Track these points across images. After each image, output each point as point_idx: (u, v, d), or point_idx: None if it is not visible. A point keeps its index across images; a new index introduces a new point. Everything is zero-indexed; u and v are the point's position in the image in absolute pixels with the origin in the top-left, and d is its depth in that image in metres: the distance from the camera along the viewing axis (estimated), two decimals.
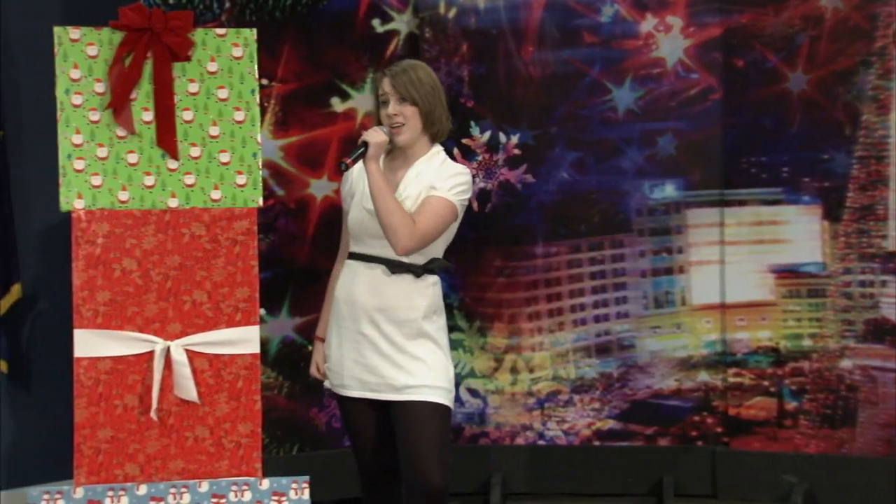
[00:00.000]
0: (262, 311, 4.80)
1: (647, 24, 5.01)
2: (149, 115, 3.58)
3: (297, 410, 4.97)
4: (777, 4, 4.88)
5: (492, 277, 5.13)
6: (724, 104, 4.97)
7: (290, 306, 4.93)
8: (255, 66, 3.64)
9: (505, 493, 5.04)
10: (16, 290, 4.70)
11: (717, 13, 4.95)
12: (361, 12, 5.01)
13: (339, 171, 3.63)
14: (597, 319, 5.08)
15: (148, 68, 3.57)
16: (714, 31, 4.96)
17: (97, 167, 3.57)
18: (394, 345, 3.55)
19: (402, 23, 5.09)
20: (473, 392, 5.16)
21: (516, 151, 5.09)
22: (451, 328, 5.09)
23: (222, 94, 3.62)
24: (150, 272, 3.55)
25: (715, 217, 5.00)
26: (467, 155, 5.09)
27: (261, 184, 3.69)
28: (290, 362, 4.95)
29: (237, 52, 3.63)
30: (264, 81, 4.84)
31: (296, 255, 4.95)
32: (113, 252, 3.55)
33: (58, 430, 4.91)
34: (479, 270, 5.14)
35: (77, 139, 3.56)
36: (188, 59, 3.60)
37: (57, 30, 3.61)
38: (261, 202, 3.69)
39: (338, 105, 4.99)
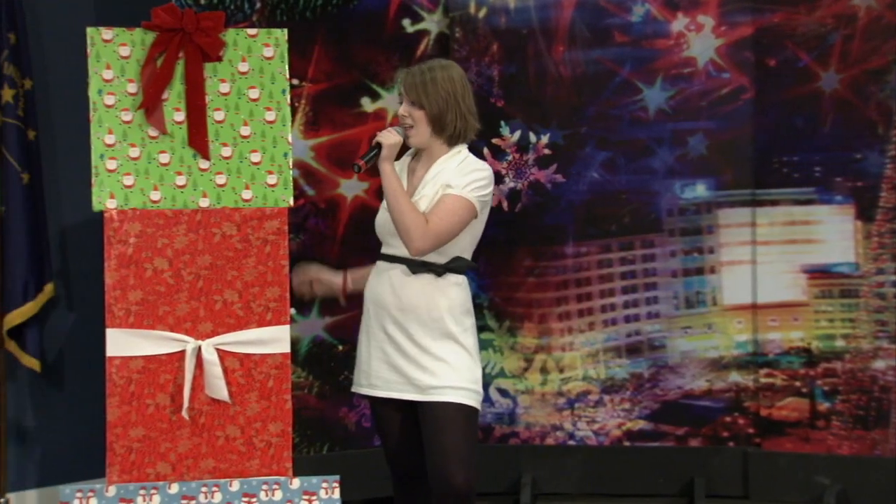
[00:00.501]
0: (293, 311, 4.81)
1: (679, 23, 4.99)
2: (180, 116, 3.60)
3: (327, 410, 4.97)
4: (809, 3, 4.85)
5: (522, 277, 5.12)
6: (755, 103, 4.94)
7: (320, 306, 4.94)
8: (286, 66, 3.66)
9: (535, 494, 5.03)
10: (48, 290, 4.73)
11: (749, 12, 4.92)
12: (392, 12, 5.01)
13: (354, 172, 3.68)
14: (627, 319, 5.06)
15: (180, 69, 3.59)
16: (746, 30, 4.94)
17: (129, 167, 3.59)
18: (417, 345, 3.55)
19: (432, 23, 5.09)
20: (503, 392, 5.15)
21: (546, 151, 5.08)
22: (481, 328, 5.09)
23: (253, 94, 3.63)
24: (181, 271, 3.57)
25: (746, 217, 4.97)
26: (497, 155, 5.09)
27: (291, 184, 3.71)
28: (321, 362, 4.96)
29: (268, 52, 3.64)
30: (295, 81, 4.85)
31: (326, 255, 4.95)
32: (145, 252, 3.57)
33: (90, 428, 4.93)
34: (509, 270, 5.13)
35: (109, 139, 3.58)
36: (219, 59, 3.61)
37: (90, 30, 3.63)
38: (291, 202, 3.70)
39: (368, 105, 4.99)
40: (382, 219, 3.64)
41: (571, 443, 5.11)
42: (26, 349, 4.69)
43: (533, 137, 5.09)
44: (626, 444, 5.07)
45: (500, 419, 5.16)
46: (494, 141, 5.08)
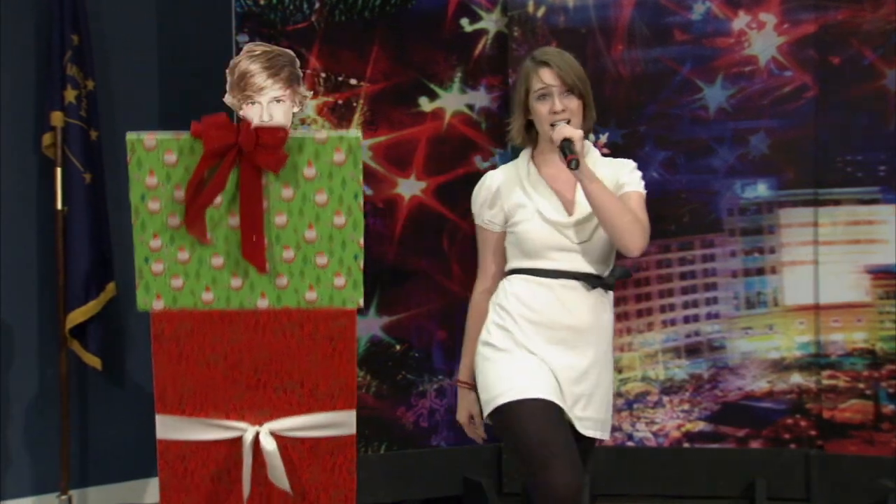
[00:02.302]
0: None
1: (740, 21, 4.94)
2: (235, 220, 3.14)
3: (384, 409, 4.98)
4: (874, 0, 4.78)
5: None
6: (818, 102, 4.88)
7: (377, 305, 4.94)
8: (360, 171, 3.12)
9: (594, 495, 4.99)
10: (110, 289, 4.78)
11: (812, 10, 4.86)
12: (450, 11, 5.00)
13: (573, 169, 3.13)
14: (686, 320, 5.01)
15: (234, 177, 3.10)
16: (809, 27, 4.88)
17: (178, 269, 3.14)
18: (585, 372, 3.23)
19: (490, 22, 5.08)
20: None
21: (605, 150, 5.04)
22: None
23: (321, 198, 3.13)
24: (237, 365, 3.21)
25: (809, 217, 4.91)
26: None
27: (362, 284, 3.15)
28: (378, 361, 4.96)
29: (339, 157, 3.12)
30: (353, 81, 4.87)
31: (384, 255, 4.96)
32: (196, 350, 3.20)
33: (150, 427, 4.97)
34: None
35: (155, 243, 3.15)
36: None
37: (130, 137, 3.09)
38: (361, 303, 3.17)
39: (426, 105, 4.99)
40: (541, 231, 3.24)
41: (630, 444, 5.07)
42: (88, 348, 4.75)
43: (592, 137, 5.04)
44: (686, 445, 5.03)
45: None
46: None
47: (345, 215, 3.15)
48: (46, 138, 4.71)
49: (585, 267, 3.22)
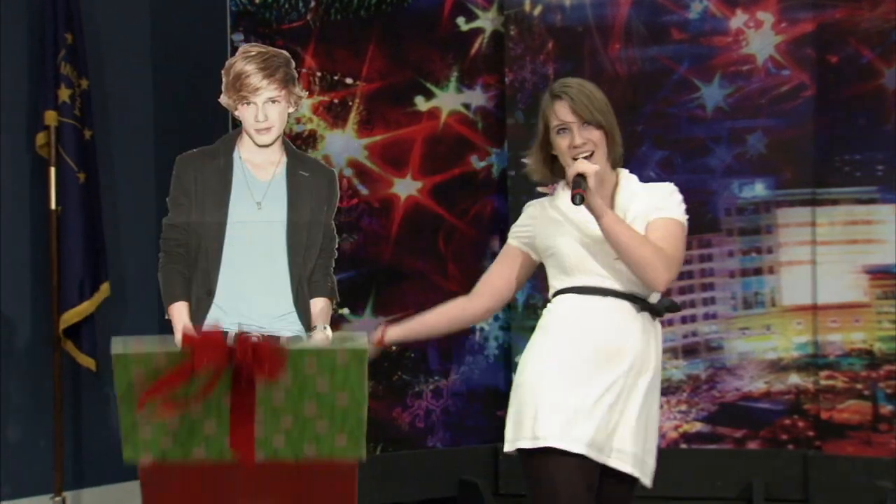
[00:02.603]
0: (346, 311, 4.81)
1: (737, 20, 4.92)
2: (228, 400, 2.87)
3: (380, 410, 4.96)
4: None
5: None
6: (816, 101, 4.86)
7: (373, 306, 4.92)
8: (366, 376, 2.86)
9: None
10: (104, 289, 4.75)
11: (810, 8, 4.84)
12: (446, 10, 4.99)
13: (576, 204, 2.94)
14: (684, 320, 4.99)
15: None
16: (807, 26, 4.86)
17: (167, 432, 2.91)
18: (636, 404, 3.00)
19: (486, 21, 5.06)
20: None
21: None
22: (535, 328, 5.05)
23: (322, 386, 2.87)
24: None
25: (806, 216, 4.89)
26: None
27: (364, 437, 2.88)
28: (374, 362, 4.90)
29: (342, 360, 2.89)
30: (349, 80, 4.85)
31: (380, 255, 4.94)
32: (189, 499, 3.07)
33: None
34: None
35: (142, 414, 2.92)
36: None
37: (115, 351, 2.85)
38: (364, 455, 2.90)
39: (422, 104, 4.98)
40: (579, 246, 3.03)
41: None
42: (82, 348, 4.73)
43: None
44: (683, 446, 5.01)
45: None
46: None
47: (348, 399, 2.88)
48: (40, 137, 4.68)
49: (630, 287, 2.99)
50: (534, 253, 3.15)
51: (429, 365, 5.01)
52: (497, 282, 3.20)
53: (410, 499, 4.90)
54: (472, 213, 5.10)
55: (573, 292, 3.03)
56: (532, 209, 3.17)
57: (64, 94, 4.65)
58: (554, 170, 3.11)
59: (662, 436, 5.03)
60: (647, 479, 3.03)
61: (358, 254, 4.86)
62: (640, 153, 4.98)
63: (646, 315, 3.01)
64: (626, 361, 2.97)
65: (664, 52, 4.97)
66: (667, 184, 3.13)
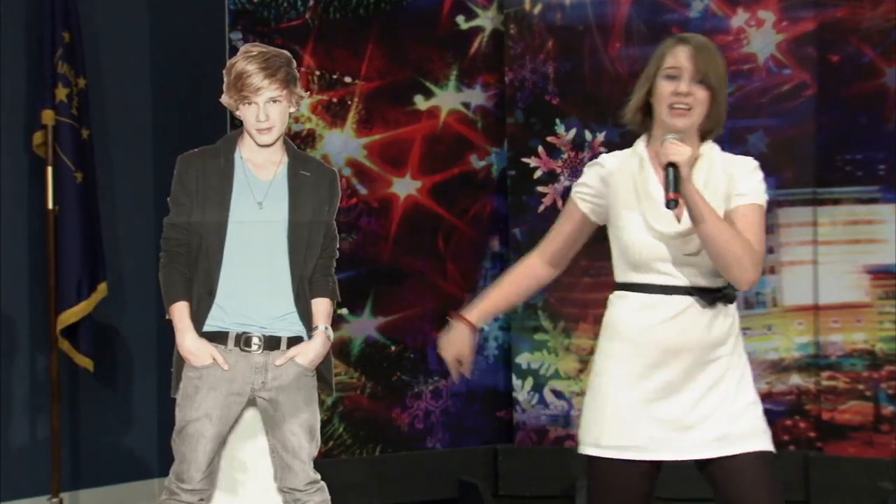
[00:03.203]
0: (345, 311, 4.79)
1: (738, 18, 4.90)
2: None
3: (379, 411, 4.94)
4: None
5: (577, 277, 5.04)
6: (817, 100, 4.84)
7: (372, 306, 4.90)
8: None
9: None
10: (102, 289, 4.72)
11: (811, 7, 4.83)
12: (445, 9, 4.97)
13: (671, 209, 2.79)
14: None
15: None
16: (808, 25, 4.84)
17: None
18: (725, 390, 2.89)
19: (486, 19, 5.04)
20: (558, 394, 5.08)
21: (602, 149, 5.00)
22: (535, 328, 5.04)
23: None
24: None
25: (808, 216, 4.87)
26: (552, 153, 5.02)
27: None
28: (373, 362, 4.92)
29: None
30: (347, 79, 4.83)
31: (379, 255, 4.92)
32: None
33: (143, 428, 4.94)
34: (564, 270, 5.04)
35: None
36: None
37: None
38: None
39: (421, 103, 4.96)
40: (648, 242, 2.87)
41: None
42: (80, 349, 4.70)
43: (589, 135, 5.02)
44: None
45: (555, 421, 5.09)
46: (549, 139, 5.01)
47: None
48: (37, 137, 4.66)
49: (699, 280, 2.85)
50: (600, 220, 3.02)
51: (428, 365, 4.99)
52: (563, 247, 3.11)
53: (410, 500, 4.88)
54: (471, 213, 5.08)
55: (638, 290, 2.91)
56: (606, 167, 2.96)
57: (61, 93, 4.62)
58: (644, 122, 2.94)
59: None
60: (753, 446, 2.89)
61: (357, 254, 4.84)
62: None
63: (715, 305, 2.86)
64: (689, 357, 2.85)
65: None
66: (748, 160, 2.93)
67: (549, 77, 5.02)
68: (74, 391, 4.87)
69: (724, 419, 2.87)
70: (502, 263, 5.12)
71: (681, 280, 2.85)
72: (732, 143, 4.88)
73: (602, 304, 5.10)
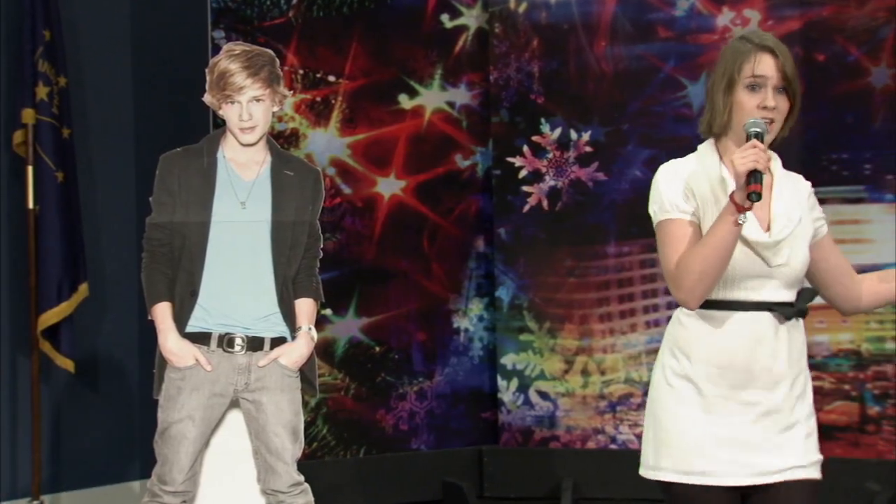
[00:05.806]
0: (329, 312, 4.76)
1: (724, 17, 4.89)
2: None
3: (364, 412, 4.91)
4: None
5: (562, 277, 5.04)
6: (803, 99, 4.79)
7: (356, 306, 4.88)
8: None
9: (576, 498, 4.94)
10: (83, 290, 4.69)
11: (797, 6, 4.82)
12: (430, 7, 4.96)
13: (753, 201, 2.57)
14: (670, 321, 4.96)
15: None
16: (793, 24, 4.83)
17: None
18: (792, 411, 2.80)
19: (471, 18, 5.02)
20: (543, 395, 5.07)
21: (588, 149, 5.00)
22: (521, 329, 5.02)
23: None
24: None
25: None
26: (537, 152, 5.00)
27: None
28: (357, 363, 4.90)
29: None
30: (331, 78, 4.80)
31: (363, 255, 4.89)
32: None
33: (124, 430, 4.90)
34: (550, 270, 5.05)
35: None
36: None
37: None
38: None
39: (405, 102, 4.93)
40: (737, 255, 2.66)
41: (613, 447, 5.02)
42: (60, 350, 4.66)
43: (574, 135, 5.00)
44: None
45: (541, 422, 5.08)
46: (534, 138, 5.00)
47: None
48: (17, 136, 4.62)
49: (779, 294, 2.71)
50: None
51: (413, 366, 4.97)
52: None
53: (394, 501, 4.86)
54: (456, 213, 5.06)
55: (715, 308, 2.71)
56: (691, 174, 2.79)
57: (42, 91, 4.58)
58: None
59: None
60: (808, 473, 2.81)
61: (341, 254, 4.81)
62: (625, 152, 4.95)
63: (789, 321, 2.73)
64: (762, 378, 2.71)
65: (650, 49, 4.93)
66: (806, 182, 2.86)
67: (534, 76, 5.00)
68: (55, 392, 4.83)
69: (797, 444, 2.80)
70: (487, 263, 5.11)
71: (761, 294, 2.69)
72: None
73: (588, 305, 5.10)
